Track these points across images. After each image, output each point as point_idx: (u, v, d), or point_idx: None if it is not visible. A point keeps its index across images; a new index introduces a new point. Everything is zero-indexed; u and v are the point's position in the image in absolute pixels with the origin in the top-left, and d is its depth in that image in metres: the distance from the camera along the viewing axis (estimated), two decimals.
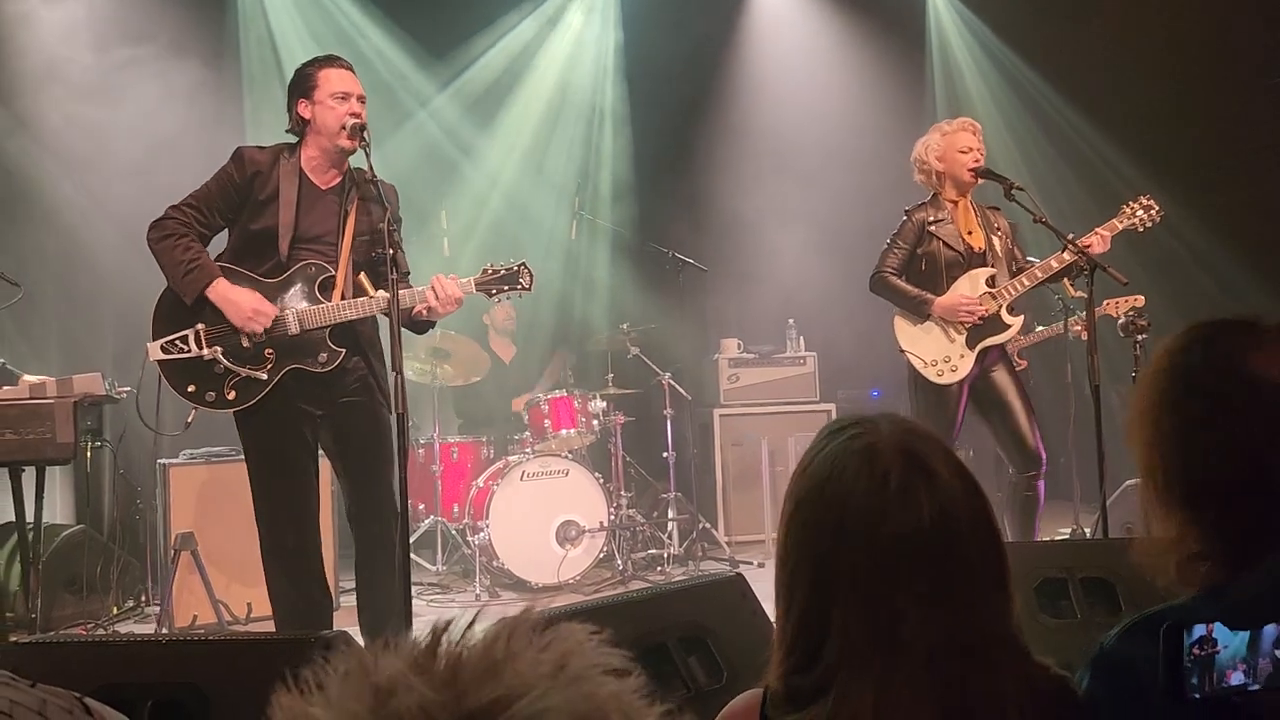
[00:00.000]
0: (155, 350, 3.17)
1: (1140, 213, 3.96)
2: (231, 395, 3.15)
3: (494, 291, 3.30)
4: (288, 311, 3.17)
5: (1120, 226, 3.95)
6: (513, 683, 0.55)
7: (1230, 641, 1.09)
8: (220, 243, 3.34)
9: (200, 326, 3.15)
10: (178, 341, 3.15)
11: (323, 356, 3.19)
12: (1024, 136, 7.12)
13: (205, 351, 3.14)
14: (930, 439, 1.13)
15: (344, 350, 3.21)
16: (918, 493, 1.07)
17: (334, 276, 3.21)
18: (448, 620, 0.62)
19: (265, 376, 3.16)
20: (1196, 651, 1.08)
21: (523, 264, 3.34)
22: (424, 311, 3.23)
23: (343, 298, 3.20)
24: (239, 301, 3.12)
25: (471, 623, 0.60)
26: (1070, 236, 3.79)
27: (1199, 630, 1.08)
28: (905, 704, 1.03)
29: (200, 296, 3.13)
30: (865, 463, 1.09)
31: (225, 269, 3.19)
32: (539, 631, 0.60)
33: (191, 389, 3.16)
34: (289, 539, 3.21)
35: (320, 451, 3.36)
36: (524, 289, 3.32)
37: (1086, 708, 1.15)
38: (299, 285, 3.19)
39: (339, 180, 3.28)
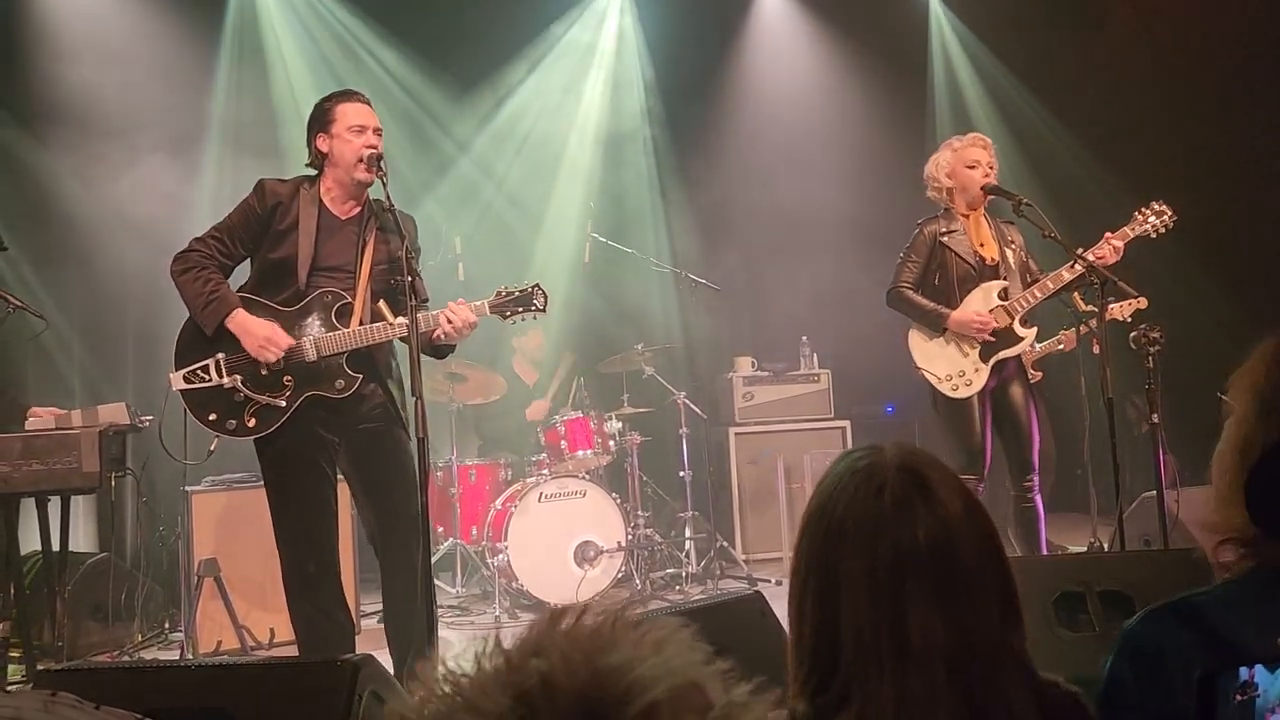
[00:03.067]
0: (178, 380, 3.23)
1: (1153, 219, 3.94)
2: (252, 423, 3.20)
3: (508, 314, 3.31)
4: (305, 339, 3.22)
5: (1132, 234, 3.93)
6: (626, 653, 0.63)
7: (1271, 685, 1.10)
8: (243, 274, 3.40)
9: (220, 355, 3.21)
10: (199, 371, 3.21)
11: (340, 383, 3.23)
12: (1030, 153, 7.14)
13: (226, 380, 3.20)
14: (931, 461, 1.18)
15: (361, 376, 3.25)
16: (914, 508, 1.12)
17: (351, 304, 3.25)
18: (565, 604, 0.70)
19: (284, 403, 3.21)
20: (1239, 697, 1.09)
21: (536, 285, 3.33)
22: (441, 336, 3.27)
23: (361, 324, 3.25)
24: (254, 331, 3.18)
25: (586, 608, 0.68)
26: (1080, 250, 3.80)
27: (1243, 675, 1.10)
28: (923, 707, 1.07)
29: (220, 327, 3.19)
30: (865, 479, 1.15)
31: (245, 298, 3.25)
32: (636, 619, 0.67)
33: (213, 417, 3.22)
34: (309, 565, 3.25)
35: (340, 477, 3.40)
36: (538, 310, 3.32)
37: (1109, 686, 1.17)
38: (316, 313, 3.25)
39: (358, 211, 3.34)
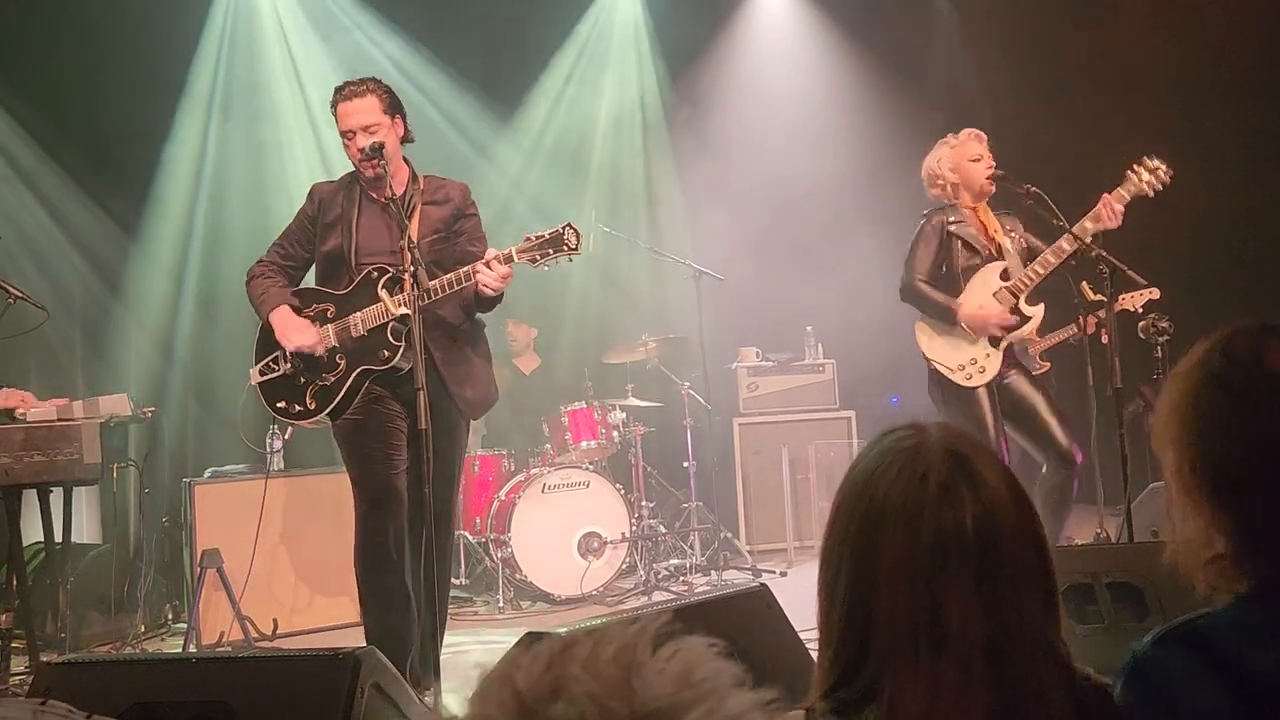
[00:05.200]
0: (255, 374, 3.43)
1: (1147, 176, 3.81)
2: (312, 405, 3.35)
3: (538, 258, 3.10)
4: (354, 315, 3.30)
5: (1128, 195, 3.80)
6: (647, 694, 0.56)
7: None
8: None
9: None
10: (271, 363, 3.40)
11: (384, 353, 3.27)
12: (1029, 144, 7.08)
13: (289, 366, 3.36)
14: (977, 445, 1.14)
15: (403, 346, 3.24)
16: (960, 493, 1.07)
17: (396, 276, 3.25)
18: (575, 630, 0.64)
19: (333, 380, 3.31)
20: None
21: (568, 224, 3.08)
22: (475, 297, 3.25)
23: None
24: (278, 325, 3.34)
25: (603, 634, 0.61)
26: (1089, 239, 3.76)
27: None
28: (956, 699, 1.03)
29: (267, 323, 3.37)
30: (909, 461, 1.10)
31: (312, 291, 3.44)
32: (661, 643, 0.61)
33: (281, 405, 3.40)
34: (370, 551, 3.29)
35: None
36: (571, 250, 3.06)
37: (1123, 716, 1.14)
38: (365, 290, 3.31)
39: (402, 190, 3.37)
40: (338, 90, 3.36)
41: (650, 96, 7.42)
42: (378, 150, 3.21)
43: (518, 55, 7.10)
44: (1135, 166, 3.85)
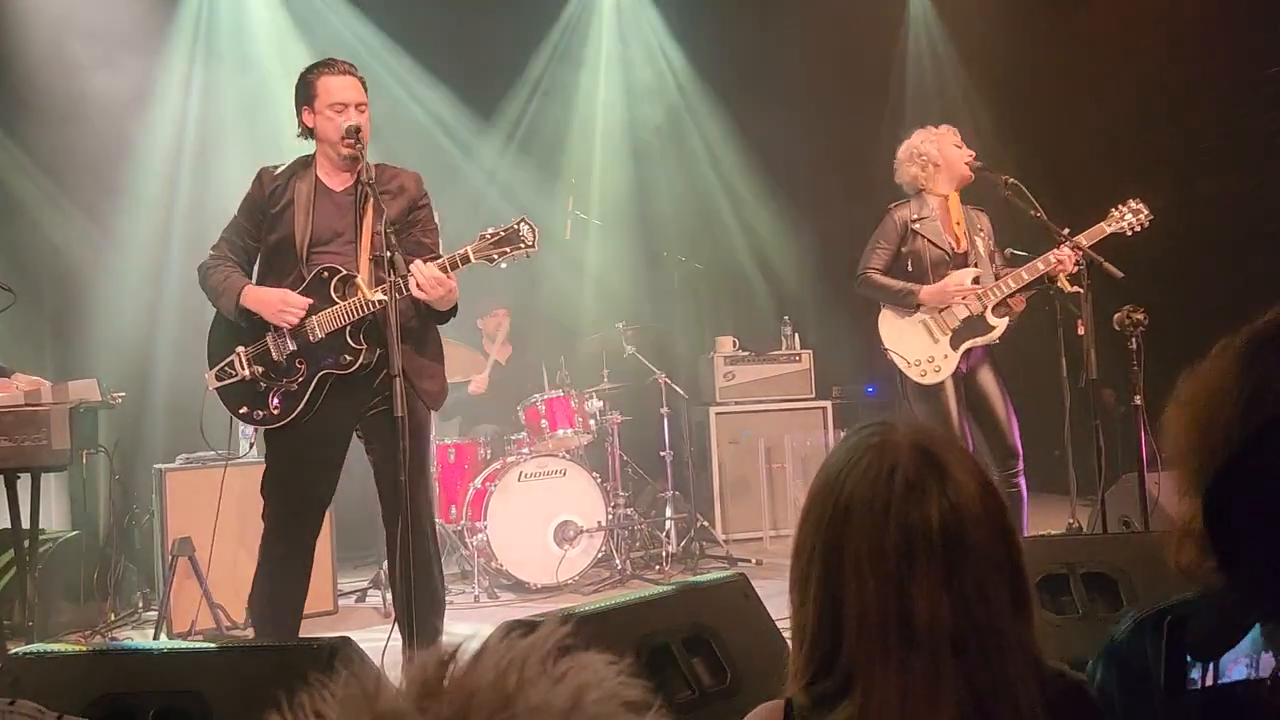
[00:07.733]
0: (211, 379, 3.33)
1: (1129, 216, 3.91)
2: (276, 411, 3.23)
3: (495, 256, 3.09)
4: (311, 318, 3.20)
5: (1108, 230, 3.90)
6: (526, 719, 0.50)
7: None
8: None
9: (240, 349, 3.26)
10: (226, 368, 3.29)
11: (346, 357, 3.18)
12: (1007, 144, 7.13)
13: (248, 372, 3.25)
14: (948, 440, 1.14)
15: (365, 348, 3.18)
16: (927, 488, 1.08)
17: (352, 276, 3.19)
18: (455, 646, 0.58)
19: (297, 386, 3.21)
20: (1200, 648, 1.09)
21: (522, 219, 3.09)
22: (426, 304, 3.19)
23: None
24: (268, 300, 3.20)
25: (482, 650, 0.55)
26: (1065, 231, 3.79)
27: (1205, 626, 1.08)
28: (927, 693, 1.03)
29: (239, 308, 3.23)
30: (877, 456, 1.11)
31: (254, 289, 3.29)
32: (554, 661, 0.55)
33: (243, 410, 3.29)
34: (279, 547, 3.25)
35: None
36: (528, 247, 3.06)
37: (1099, 700, 1.15)
38: (318, 291, 3.21)
39: (353, 181, 3.28)
40: (324, 64, 3.26)
41: (630, 86, 7.38)
42: (355, 132, 3.15)
43: (495, 49, 7.05)
44: (1119, 205, 3.91)
